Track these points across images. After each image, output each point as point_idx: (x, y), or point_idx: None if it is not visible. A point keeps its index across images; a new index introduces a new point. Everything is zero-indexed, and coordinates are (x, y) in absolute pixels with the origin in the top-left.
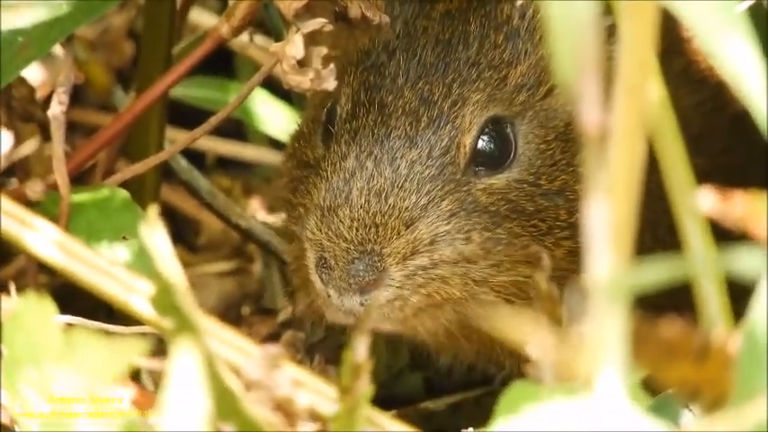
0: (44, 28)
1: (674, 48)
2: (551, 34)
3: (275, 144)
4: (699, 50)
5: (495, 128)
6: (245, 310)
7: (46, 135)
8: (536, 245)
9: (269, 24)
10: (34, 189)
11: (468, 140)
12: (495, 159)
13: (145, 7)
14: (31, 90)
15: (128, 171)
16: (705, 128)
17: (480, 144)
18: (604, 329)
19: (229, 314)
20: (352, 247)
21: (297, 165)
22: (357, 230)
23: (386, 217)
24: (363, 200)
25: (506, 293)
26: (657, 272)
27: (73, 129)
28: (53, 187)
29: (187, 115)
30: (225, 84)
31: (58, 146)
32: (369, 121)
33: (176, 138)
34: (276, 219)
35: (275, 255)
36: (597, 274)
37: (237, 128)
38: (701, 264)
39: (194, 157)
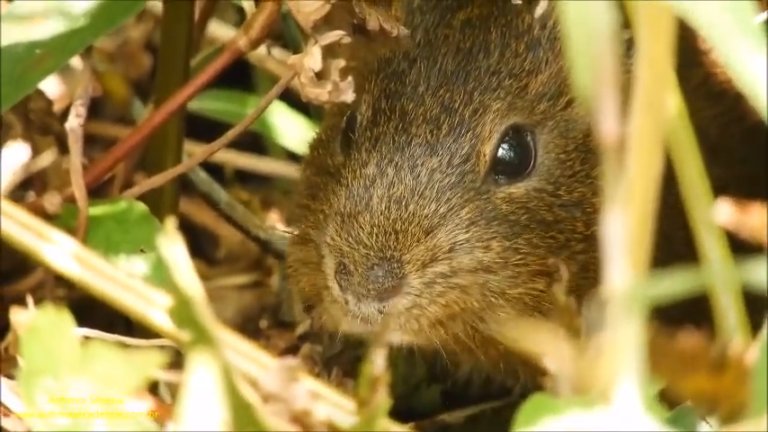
0: (62, 40)
1: (692, 60)
2: (570, 46)
3: (293, 157)
4: (717, 63)
5: (516, 136)
6: (263, 323)
7: (63, 148)
8: (553, 257)
9: (287, 37)
10: (52, 202)
11: (488, 148)
12: (515, 168)
13: (163, 20)
14: (49, 102)
15: (146, 184)
16: (722, 139)
17: (500, 152)
18: (621, 341)
19: (247, 327)
20: (371, 254)
21: (316, 171)
22: (377, 237)
23: (406, 224)
24: (384, 206)
25: (522, 305)
26: (674, 283)
27: (91, 141)
28: (71, 200)
29: (205, 128)
30: (243, 96)
31: (75, 158)
32: (389, 128)
33: (194, 151)
34: (292, 228)
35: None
36: (614, 285)
37: (256, 141)
38: (718, 275)
39: (213, 170)
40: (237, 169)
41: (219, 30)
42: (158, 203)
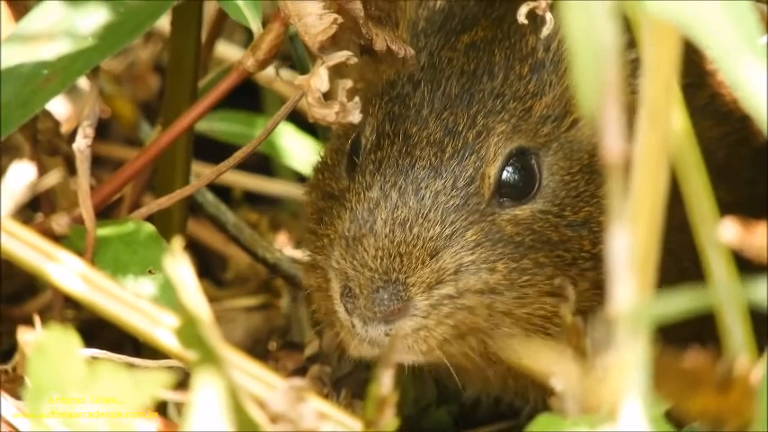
0: (68, 60)
1: (698, 81)
2: (575, 64)
3: (302, 178)
4: (723, 83)
5: (520, 159)
6: (272, 344)
7: (71, 168)
8: (560, 276)
9: (294, 58)
10: (60, 223)
11: (492, 171)
12: (519, 190)
13: (170, 41)
14: (56, 123)
15: (154, 205)
16: (730, 160)
17: (505, 175)
18: (628, 360)
19: (256, 349)
20: (376, 276)
21: (321, 196)
22: (382, 260)
23: (410, 247)
24: (388, 229)
25: (530, 325)
26: (680, 302)
27: (99, 163)
28: (79, 221)
29: (213, 149)
30: (251, 117)
31: (83, 179)
32: (393, 151)
33: (202, 172)
34: (303, 253)
35: (302, 289)
36: (620, 304)
37: (264, 162)
38: (724, 294)
39: (220, 191)
40: (245, 191)
41: (227, 50)
42: (167, 225)
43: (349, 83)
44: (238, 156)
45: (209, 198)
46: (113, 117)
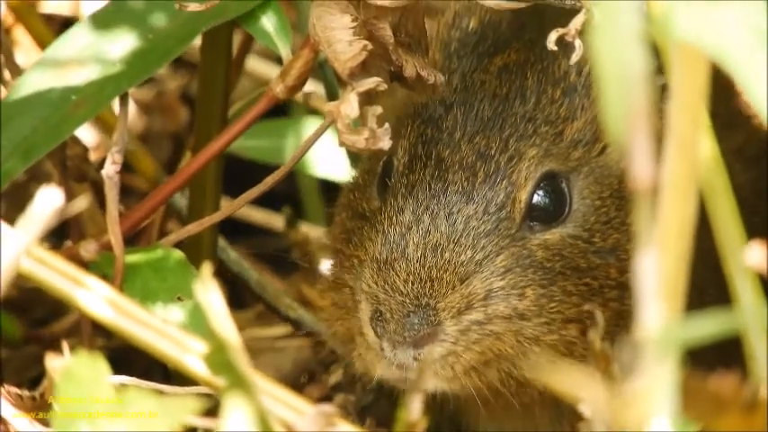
0: (97, 86)
1: (732, 122)
2: (603, 90)
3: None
4: (756, 127)
5: (551, 183)
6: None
7: (100, 195)
8: (586, 304)
9: (324, 84)
10: (88, 249)
11: (523, 195)
12: (549, 214)
13: (200, 67)
14: (85, 149)
15: (183, 231)
16: (757, 206)
17: (536, 199)
18: (655, 383)
19: (299, 380)
20: (407, 301)
21: (351, 216)
22: (413, 284)
23: (441, 272)
24: (420, 254)
25: (555, 352)
26: (708, 326)
27: (126, 193)
28: (107, 247)
29: (243, 177)
30: (280, 127)
31: (112, 206)
32: (426, 175)
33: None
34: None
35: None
36: (648, 327)
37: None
38: (751, 318)
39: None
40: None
41: (259, 66)
42: (196, 252)
43: (379, 109)
44: (269, 181)
45: (232, 256)
46: (136, 173)
